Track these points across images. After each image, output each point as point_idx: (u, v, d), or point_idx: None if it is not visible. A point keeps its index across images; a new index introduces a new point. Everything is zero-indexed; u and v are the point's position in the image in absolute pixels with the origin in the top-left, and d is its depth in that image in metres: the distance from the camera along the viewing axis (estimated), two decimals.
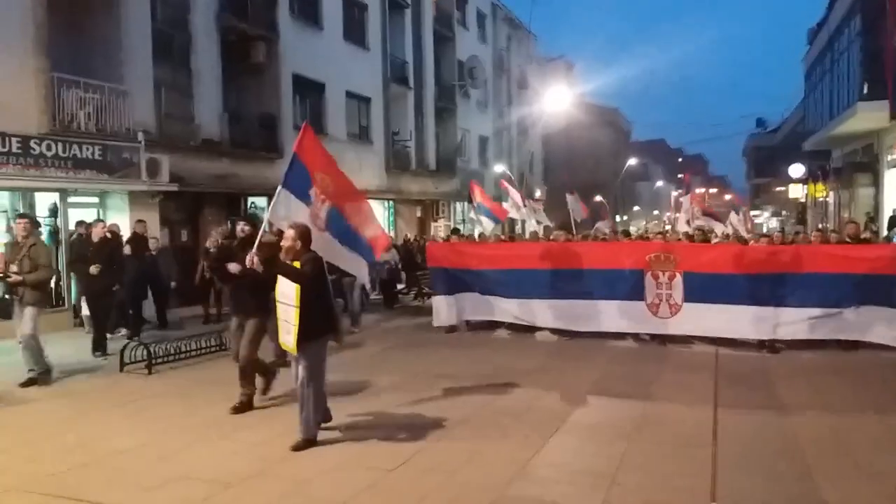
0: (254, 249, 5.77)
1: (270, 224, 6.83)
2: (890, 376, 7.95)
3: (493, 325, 11.31)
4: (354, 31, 22.41)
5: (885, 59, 15.62)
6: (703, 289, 9.51)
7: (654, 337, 10.06)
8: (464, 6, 32.25)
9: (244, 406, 6.66)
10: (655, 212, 71.00)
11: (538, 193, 40.90)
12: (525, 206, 18.59)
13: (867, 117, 20.06)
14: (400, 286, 16.96)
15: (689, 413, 6.44)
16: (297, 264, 5.55)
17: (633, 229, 57.26)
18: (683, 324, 9.69)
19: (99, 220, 11.06)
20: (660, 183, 77.67)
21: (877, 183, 23.23)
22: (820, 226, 31.38)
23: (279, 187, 6.08)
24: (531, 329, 10.78)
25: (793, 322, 9.17)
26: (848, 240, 10.59)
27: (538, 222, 19.08)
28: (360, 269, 6.96)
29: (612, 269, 10.05)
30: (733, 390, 7.31)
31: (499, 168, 33.44)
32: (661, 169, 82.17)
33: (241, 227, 7.37)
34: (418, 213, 27.60)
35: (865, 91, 19.55)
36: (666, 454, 5.36)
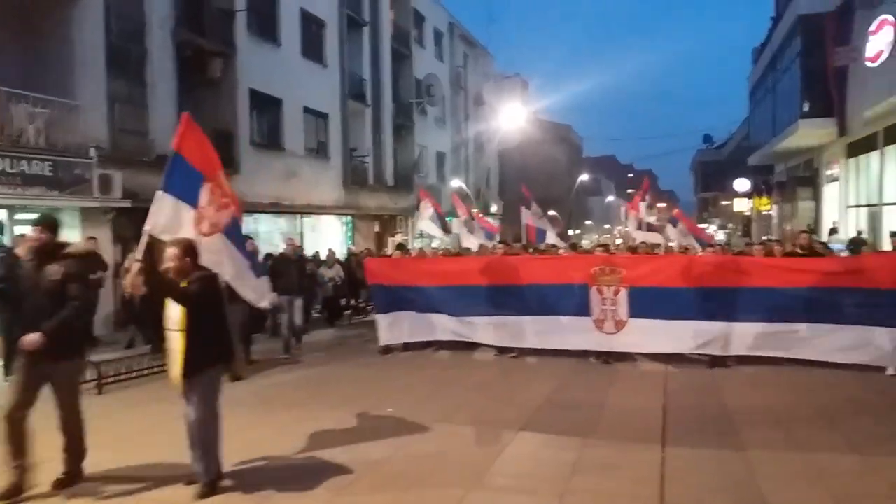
0: (132, 271, 4.88)
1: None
2: (844, 395, 7.42)
3: (435, 345, 10.67)
4: (312, 48, 22.43)
5: (827, 80, 16.40)
6: (648, 303, 9.12)
7: (599, 354, 9.55)
8: (421, 25, 32.60)
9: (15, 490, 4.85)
10: (607, 226, 72.40)
11: (494, 208, 41.41)
12: (471, 220, 17.94)
13: (808, 134, 21.02)
14: (345, 302, 16.36)
15: (634, 453, 5.63)
16: (184, 284, 4.85)
17: (585, 243, 58.25)
18: (629, 340, 9.27)
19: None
20: (611, 198, 79.27)
21: (817, 197, 24.28)
22: (764, 238, 32.57)
23: (159, 192, 5.32)
24: (473, 346, 10.32)
25: (742, 338, 8.77)
26: (799, 251, 10.01)
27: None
28: (258, 290, 6.21)
29: (557, 284, 9.61)
30: (683, 417, 6.69)
31: (455, 183, 33.71)
32: (612, 184, 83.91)
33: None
34: (376, 229, 27.63)
35: (806, 109, 20.47)
36: None
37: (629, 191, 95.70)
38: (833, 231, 19.24)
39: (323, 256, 16.45)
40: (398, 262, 11.46)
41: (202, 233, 5.49)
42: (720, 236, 50.51)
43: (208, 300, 4.92)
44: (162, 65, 15.78)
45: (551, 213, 48.23)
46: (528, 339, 9.77)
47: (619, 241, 22.78)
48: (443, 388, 8.36)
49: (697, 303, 8.87)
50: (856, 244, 17.96)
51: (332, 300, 15.48)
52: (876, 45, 15.36)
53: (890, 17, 14.77)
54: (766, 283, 8.64)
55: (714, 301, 8.79)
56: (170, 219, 5.31)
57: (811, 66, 19.78)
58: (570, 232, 57.18)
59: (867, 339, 8.24)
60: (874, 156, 17.80)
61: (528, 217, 16.76)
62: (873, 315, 8.18)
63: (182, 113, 5.96)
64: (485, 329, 10.05)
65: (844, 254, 14.51)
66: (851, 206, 20.36)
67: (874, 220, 18.36)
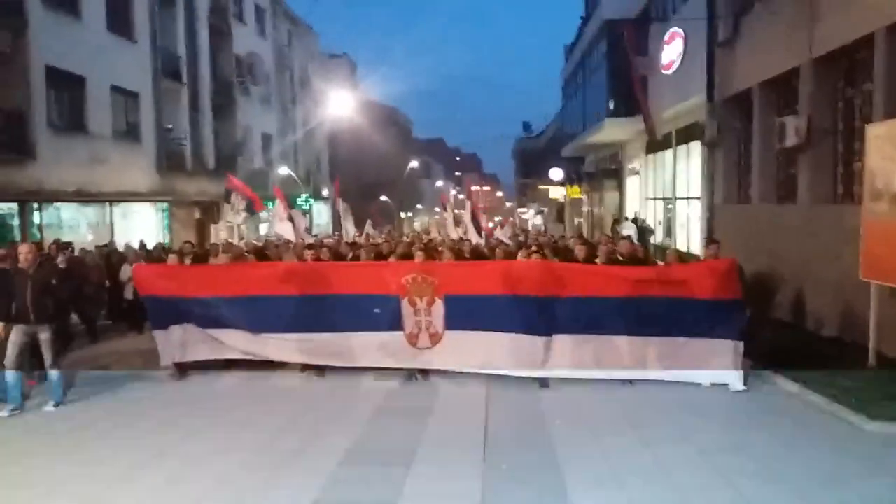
0: None
1: None
2: (673, 420, 6.92)
3: (235, 364, 9.12)
4: (119, 22, 20.50)
5: (632, 85, 17.92)
6: (465, 314, 8.32)
7: (411, 373, 8.63)
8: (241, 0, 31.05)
9: None
10: (437, 209, 74.15)
11: (326, 192, 40.83)
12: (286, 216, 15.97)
13: (614, 130, 22.93)
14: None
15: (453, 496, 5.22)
16: None
17: (417, 225, 59.16)
18: (445, 356, 8.40)
19: None
20: (440, 182, 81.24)
21: (621, 188, 26.64)
22: (576, 222, 35.33)
23: None
24: (271, 365, 8.90)
25: (562, 355, 8.08)
26: (621, 258, 9.40)
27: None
28: None
29: (367, 295, 8.55)
30: (505, 450, 6.15)
31: (283, 170, 32.76)
32: (441, 168, 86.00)
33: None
34: (197, 216, 26.13)
35: (612, 107, 22.31)
36: None
37: (457, 173, 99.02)
38: (636, 220, 21.18)
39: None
40: (174, 270, 9.66)
41: None
42: (538, 220, 53.89)
43: None
44: None
45: (383, 198, 48.76)
46: (333, 357, 8.69)
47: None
48: (224, 427, 6.96)
49: (515, 312, 8.15)
50: (643, 230, 20.12)
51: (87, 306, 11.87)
52: (669, 54, 17.03)
53: (680, 31, 16.44)
54: (592, 292, 8.05)
55: (533, 311, 8.11)
56: None
57: (616, 68, 21.51)
58: (403, 215, 58.00)
59: (690, 353, 7.88)
60: (668, 153, 19.85)
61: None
62: (695, 327, 7.85)
63: None
64: (283, 348, 8.76)
65: (633, 236, 16.01)
66: (650, 199, 22.60)
67: (669, 212, 20.53)
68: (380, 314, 8.52)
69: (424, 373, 8.65)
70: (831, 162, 10.86)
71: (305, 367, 8.91)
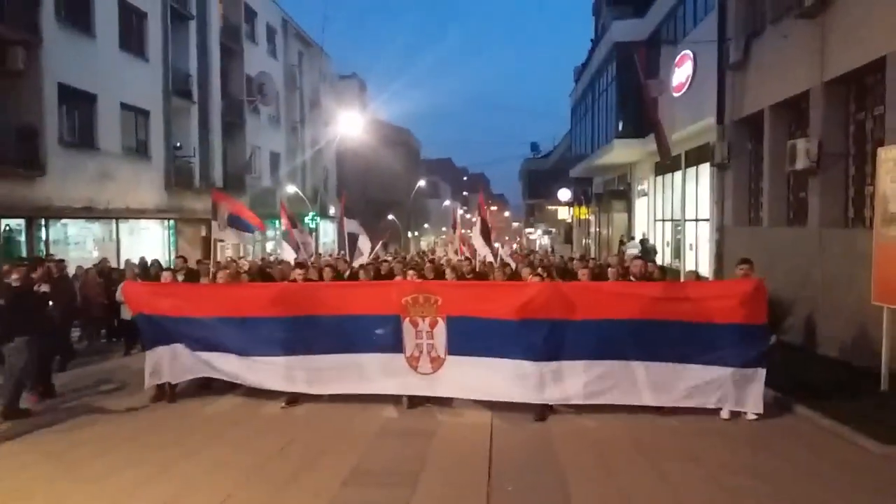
0: None
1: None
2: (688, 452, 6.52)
3: (228, 387, 8.80)
4: (132, 41, 20.73)
5: (646, 108, 17.87)
6: (468, 337, 7.85)
7: (412, 398, 8.19)
8: (253, 20, 31.36)
9: None
10: (444, 228, 74.19)
11: (332, 210, 40.90)
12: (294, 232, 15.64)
13: (622, 152, 22.90)
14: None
15: None
16: None
17: (423, 244, 59.08)
18: (447, 381, 7.97)
19: None
20: (447, 202, 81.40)
21: (629, 209, 26.54)
22: (584, 243, 35.15)
23: None
24: (271, 394, 8.47)
25: (572, 383, 7.63)
26: (632, 278, 9.05)
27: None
28: None
29: (365, 316, 8.13)
30: (511, 472, 5.99)
31: (290, 188, 32.84)
32: (448, 188, 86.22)
33: None
34: (203, 233, 26.15)
35: (621, 128, 22.30)
36: None
37: (464, 193, 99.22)
38: (643, 241, 21.03)
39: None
40: (164, 288, 9.22)
41: None
42: (545, 241, 53.81)
43: None
44: None
45: (390, 217, 48.85)
46: (329, 383, 8.27)
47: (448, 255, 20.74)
48: (201, 465, 6.32)
49: (520, 337, 7.68)
50: (646, 250, 19.94)
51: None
52: (679, 76, 17.03)
53: (690, 53, 16.44)
54: (602, 314, 7.55)
55: (538, 335, 7.63)
56: None
57: (626, 90, 21.54)
58: (409, 234, 58.06)
59: (709, 380, 7.43)
60: (678, 175, 19.76)
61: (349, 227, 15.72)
62: (716, 353, 7.38)
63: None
64: (273, 373, 8.36)
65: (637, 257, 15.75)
66: (659, 220, 22.48)
67: (678, 234, 20.40)
68: (379, 335, 8.10)
69: (411, 400, 8.19)
70: (842, 185, 10.76)
71: (290, 402, 8.37)
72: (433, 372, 8.02)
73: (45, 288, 8.78)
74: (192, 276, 11.23)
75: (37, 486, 5.85)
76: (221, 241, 13.07)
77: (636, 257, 11.25)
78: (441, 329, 7.94)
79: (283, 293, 8.59)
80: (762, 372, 7.38)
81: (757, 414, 7.42)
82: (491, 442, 6.92)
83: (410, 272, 9.29)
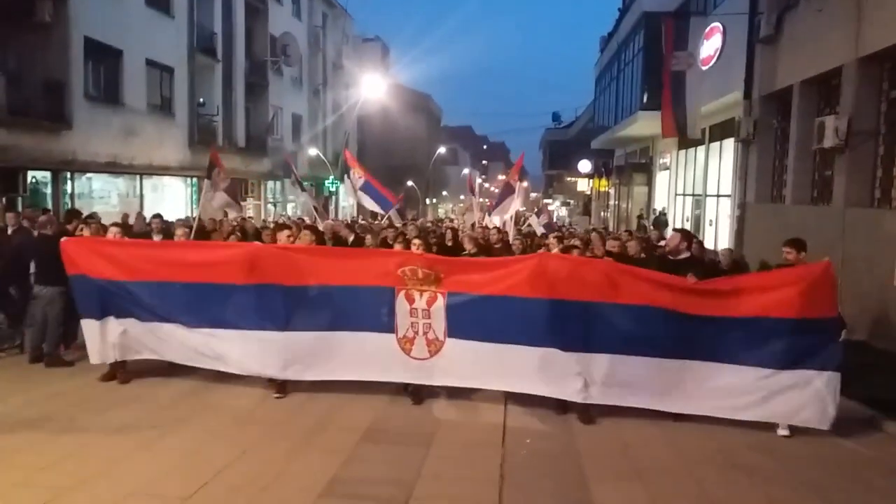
0: None
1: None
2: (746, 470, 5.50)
3: (182, 370, 7.39)
4: None
5: (663, 81, 17.62)
6: (476, 318, 6.60)
7: (407, 387, 7.00)
8: None
9: None
10: (462, 196, 74.04)
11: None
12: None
13: (646, 124, 22.61)
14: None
15: None
16: None
17: (441, 212, 58.90)
18: (448, 369, 6.71)
19: None
20: (466, 170, 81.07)
21: (650, 182, 26.36)
22: (602, 216, 34.96)
23: None
24: (234, 378, 7.15)
25: (605, 379, 6.40)
26: (670, 258, 7.28)
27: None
28: None
29: (351, 287, 6.84)
30: (526, 486, 5.10)
31: (312, 151, 32.91)
32: (468, 155, 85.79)
33: None
34: None
35: (646, 100, 22.02)
36: None
37: (483, 162, 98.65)
38: (658, 218, 20.95)
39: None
40: (112, 246, 7.56)
41: None
42: (563, 212, 53.60)
43: None
44: None
45: (409, 183, 48.83)
46: (306, 367, 6.99)
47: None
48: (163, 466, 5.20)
49: (547, 321, 6.44)
50: (659, 222, 19.89)
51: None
52: (707, 49, 16.74)
53: (719, 25, 16.13)
54: (647, 301, 6.34)
55: (571, 320, 6.39)
56: None
57: (652, 61, 21.19)
58: (427, 202, 58.05)
59: (768, 386, 6.22)
60: (701, 150, 19.56)
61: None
62: (780, 354, 6.18)
63: None
64: (243, 349, 7.01)
65: (653, 233, 15.74)
66: (679, 195, 22.32)
67: (697, 209, 20.27)
68: (367, 309, 6.83)
69: (416, 393, 6.93)
70: (870, 165, 10.61)
71: (280, 390, 7.09)
72: (430, 357, 6.76)
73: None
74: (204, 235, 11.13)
75: None
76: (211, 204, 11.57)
77: (678, 229, 9.61)
78: (440, 307, 6.69)
79: (258, 257, 7.11)
80: (835, 377, 6.08)
81: (827, 428, 6.12)
82: (503, 447, 5.84)
83: (416, 241, 7.55)
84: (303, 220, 15.71)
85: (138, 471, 5.10)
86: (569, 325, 6.42)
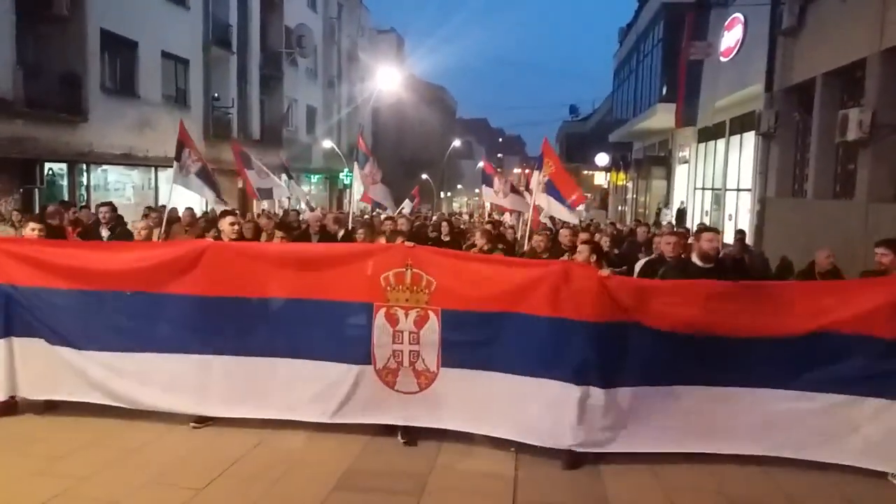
0: None
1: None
2: None
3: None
4: None
5: (679, 70, 17.41)
6: (475, 342, 5.18)
7: (390, 428, 5.38)
8: None
9: None
10: (477, 190, 73.84)
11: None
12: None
13: (665, 117, 22.31)
14: None
15: None
16: None
17: (455, 206, 58.66)
18: (441, 407, 5.26)
19: None
20: (481, 163, 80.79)
21: (669, 176, 26.03)
22: (619, 209, 34.71)
23: None
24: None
25: (637, 418, 5.02)
26: (701, 265, 5.63)
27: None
28: None
29: (317, 301, 5.32)
30: None
31: (327, 143, 32.88)
32: (483, 149, 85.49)
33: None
34: (240, 185, 26.40)
35: (665, 93, 21.72)
36: None
37: (499, 155, 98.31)
38: (681, 212, 20.68)
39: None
40: (38, 245, 5.84)
41: None
42: (580, 206, 53.17)
43: None
44: None
45: (423, 176, 48.73)
46: (249, 401, 5.38)
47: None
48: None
49: (568, 346, 4.98)
50: (680, 216, 19.65)
51: None
52: (728, 40, 16.45)
53: (740, 16, 15.84)
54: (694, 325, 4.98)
55: (592, 346, 4.97)
56: None
57: (672, 53, 20.90)
58: (442, 195, 57.93)
59: (858, 420, 4.93)
60: (721, 143, 19.26)
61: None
62: (872, 380, 4.90)
63: None
64: (168, 382, 5.43)
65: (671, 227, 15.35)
66: (699, 189, 22.02)
67: (718, 203, 19.99)
68: (335, 333, 5.38)
69: (407, 433, 5.35)
70: (894, 158, 10.35)
71: (200, 420, 5.49)
72: (419, 391, 5.27)
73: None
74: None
75: None
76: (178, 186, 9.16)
77: (704, 229, 7.52)
78: (433, 327, 5.19)
79: (188, 257, 5.44)
80: None
81: None
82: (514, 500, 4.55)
83: (381, 238, 6.34)
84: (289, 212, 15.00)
85: (152, 461, 5.05)
86: (592, 352, 4.96)
